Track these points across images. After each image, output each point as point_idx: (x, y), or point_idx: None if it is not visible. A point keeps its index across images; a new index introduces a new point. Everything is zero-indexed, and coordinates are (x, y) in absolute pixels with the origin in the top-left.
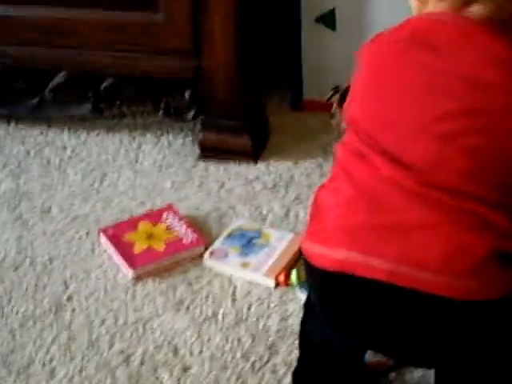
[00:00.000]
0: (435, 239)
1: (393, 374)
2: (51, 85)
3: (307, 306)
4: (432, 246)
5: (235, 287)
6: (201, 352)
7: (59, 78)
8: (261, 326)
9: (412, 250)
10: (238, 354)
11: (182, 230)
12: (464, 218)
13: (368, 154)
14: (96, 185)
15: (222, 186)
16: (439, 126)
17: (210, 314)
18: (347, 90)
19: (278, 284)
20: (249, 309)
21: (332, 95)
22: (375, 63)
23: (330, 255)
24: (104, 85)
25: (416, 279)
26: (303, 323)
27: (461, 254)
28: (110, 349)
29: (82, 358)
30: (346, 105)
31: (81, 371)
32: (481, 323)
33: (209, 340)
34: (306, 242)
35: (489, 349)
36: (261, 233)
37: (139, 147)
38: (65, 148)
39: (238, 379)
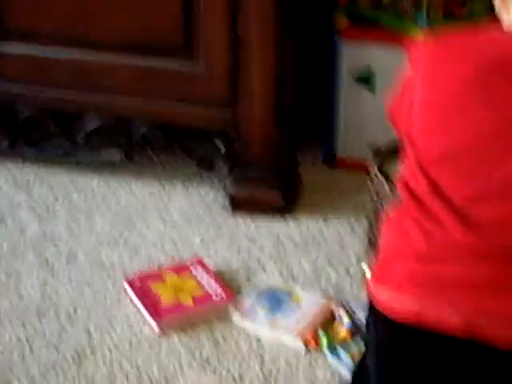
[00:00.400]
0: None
1: None
2: (83, 129)
3: (355, 377)
4: (508, 300)
5: (263, 348)
6: None
7: (92, 122)
8: None
9: (487, 304)
10: None
11: (211, 285)
12: None
13: (436, 206)
14: (124, 233)
15: (253, 242)
16: None
17: (236, 375)
18: (389, 153)
19: (307, 347)
20: (277, 372)
21: (373, 157)
22: (461, 88)
23: (402, 305)
24: (137, 132)
25: (496, 335)
26: None
27: None
28: None
29: None
30: (398, 110)
31: None
32: None
33: None
34: (374, 285)
35: None
36: (291, 293)
37: (169, 197)
38: (94, 194)
39: None
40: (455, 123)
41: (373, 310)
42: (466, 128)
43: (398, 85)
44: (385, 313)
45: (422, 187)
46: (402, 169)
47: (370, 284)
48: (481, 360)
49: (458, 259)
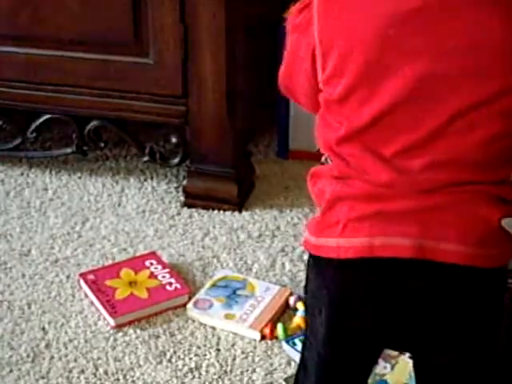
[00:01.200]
0: (452, 216)
1: None
2: (34, 124)
3: (303, 358)
4: (450, 221)
5: (219, 339)
6: None
7: (43, 117)
8: (245, 380)
9: (432, 226)
10: None
11: (166, 279)
12: (474, 196)
13: (369, 163)
14: (77, 228)
15: (207, 234)
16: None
17: (192, 366)
18: None
19: (263, 337)
20: (233, 361)
21: None
22: (370, 43)
23: (350, 244)
24: (89, 127)
25: (443, 252)
26: (297, 377)
27: (479, 225)
28: None
29: None
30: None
31: None
32: (501, 288)
33: None
34: (317, 237)
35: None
36: (246, 284)
37: (122, 191)
38: (46, 190)
39: None
40: (377, 84)
41: (318, 261)
42: (389, 88)
43: (288, 55)
44: (334, 257)
45: (354, 150)
46: (325, 135)
47: (310, 238)
48: (433, 275)
49: (397, 195)
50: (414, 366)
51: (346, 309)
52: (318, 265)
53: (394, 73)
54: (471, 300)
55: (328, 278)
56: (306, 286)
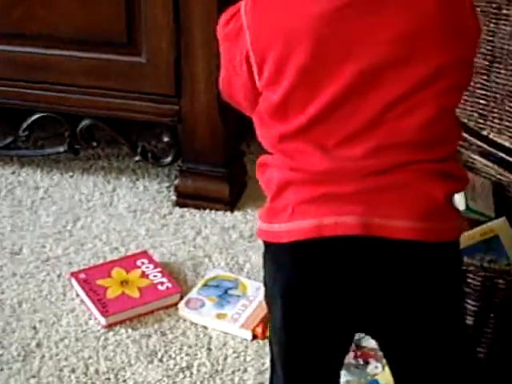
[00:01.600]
0: (397, 194)
1: None
2: (26, 123)
3: (272, 361)
4: (395, 199)
5: (211, 338)
6: None
7: (35, 116)
8: (237, 379)
9: (378, 205)
10: None
11: (157, 278)
12: (419, 175)
13: (317, 157)
14: (69, 227)
15: (198, 233)
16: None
17: (184, 365)
18: None
19: (254, 336)
20: (225, 361)
21: None
22: (307, 43)
23: (299, 227)
24: (81, 125)
25: (389, 228)
26: (271, 380)
27: (423, 201)
28: None
29: None
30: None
31: None
32: (454, 263)
33: None
34: (267, 224)
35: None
36: (238, 283)
37: (114, 190)
38: (37, 188)
39: None
40: (317, 83)
41: (272, 248)
42: (329, 85)
43: (224, 63)
44: (285, 241)
45: (297, 146)
46: (266, 134)
47: (262, 225)
48: (382, 252)
49: (341, 180)
50: (385, 356)
51: (300, 293)
52: (271, 252)
53: (332, 70)
54: (422, 274)
55: (281, 263)
56: (264, 279)
